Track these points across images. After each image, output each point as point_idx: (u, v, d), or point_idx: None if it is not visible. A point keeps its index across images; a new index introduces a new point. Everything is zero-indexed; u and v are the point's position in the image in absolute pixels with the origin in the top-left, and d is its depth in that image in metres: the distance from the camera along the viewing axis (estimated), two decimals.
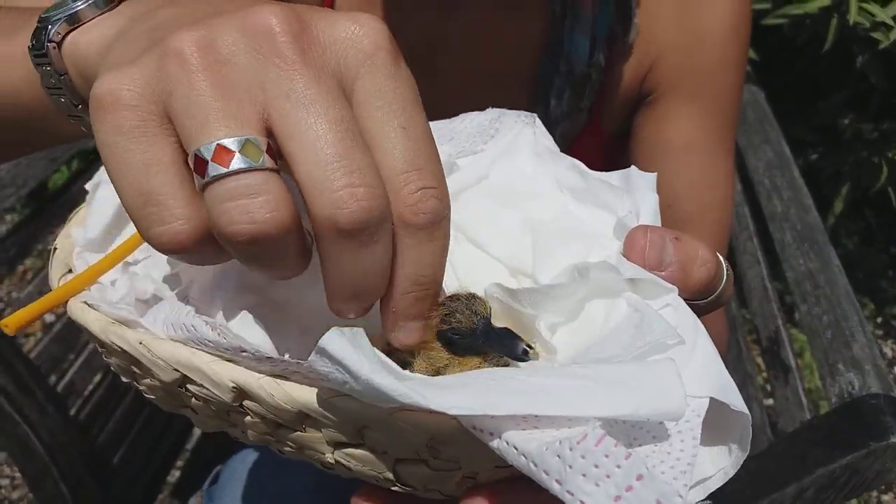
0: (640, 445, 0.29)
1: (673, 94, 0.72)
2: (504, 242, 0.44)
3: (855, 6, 1.25)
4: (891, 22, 1.30)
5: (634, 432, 0.29)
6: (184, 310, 0.31)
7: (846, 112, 1.67)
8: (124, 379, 0.37)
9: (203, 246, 0.29)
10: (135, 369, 0.34)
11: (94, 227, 0.38)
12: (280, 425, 0.32)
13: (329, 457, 0.32)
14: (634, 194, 0.42)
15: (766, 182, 1.06)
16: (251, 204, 0.27)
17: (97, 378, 0.95)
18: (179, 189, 0.28)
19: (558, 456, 0.25)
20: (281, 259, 0.29)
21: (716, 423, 0.31)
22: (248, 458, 0.71)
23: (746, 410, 0.31)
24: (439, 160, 0.32)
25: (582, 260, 0.38)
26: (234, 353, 0.30)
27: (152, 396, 0.36)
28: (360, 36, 0.30)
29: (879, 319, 2.10)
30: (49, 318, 1.51)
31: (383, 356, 0.27)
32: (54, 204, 0.97)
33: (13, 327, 0.33)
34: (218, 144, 0.27)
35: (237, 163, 0.27)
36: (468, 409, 0.26)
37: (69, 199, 0.98)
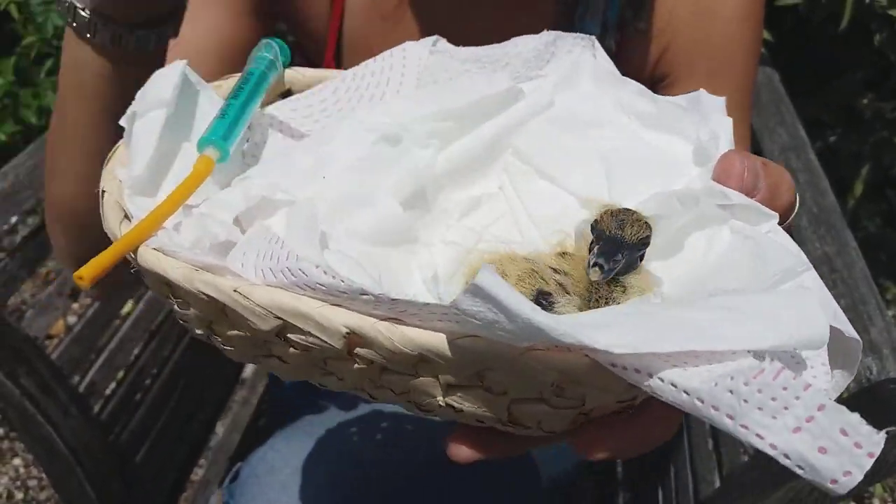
0: None
1: (687, 75, 0.70)
2: (575, 173, 0.43)
3: None
4: None
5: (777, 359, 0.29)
6: (281, 252, 0.29)
7: (864, 92, 1.65)
8: (197, 331, 0.34)
9: None
10: (217, 321, 0.32)
11: (139, 165, 0.35)
12: (387, 371, 0.31)
13: (439, 400, 0.31)
14: (709, 119, 0.41)
15: (782, 164, 1.04)
16: None
17: (118, 377, 0.96)
18: None
19: (730, 391, 0.25)
20: None
21: (830, 348, 0.31)
22: (267, 455, 0.72)
23: (858, 337, 0.31)
24: None
25: (663, 188, 0.38)
26: (351, 297, 0.28)
27: (230, 347, 0.34)
28: None
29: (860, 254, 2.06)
30: (71, 319, 1.53)
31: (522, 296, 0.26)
32: None
33: (88, 279, 0.30)
34: None
35: None
36: (631, 348, 0.25)
37: None
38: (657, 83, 0.72)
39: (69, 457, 0.76)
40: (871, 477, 0.65)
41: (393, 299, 0.27)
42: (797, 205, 0.39)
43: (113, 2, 0.47)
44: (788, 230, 0.37)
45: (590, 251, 0.36)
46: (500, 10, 0.67)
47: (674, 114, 0.42)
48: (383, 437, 0.75)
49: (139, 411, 0.97)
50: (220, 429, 1.34)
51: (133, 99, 0.38)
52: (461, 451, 0.34)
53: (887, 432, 0.25)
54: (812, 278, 0.32)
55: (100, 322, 0.91)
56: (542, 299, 0.35)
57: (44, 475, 1.45)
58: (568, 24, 0.67)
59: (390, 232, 0.40)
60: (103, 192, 0.35)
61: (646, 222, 0.36)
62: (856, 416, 0.24)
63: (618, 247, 0.35)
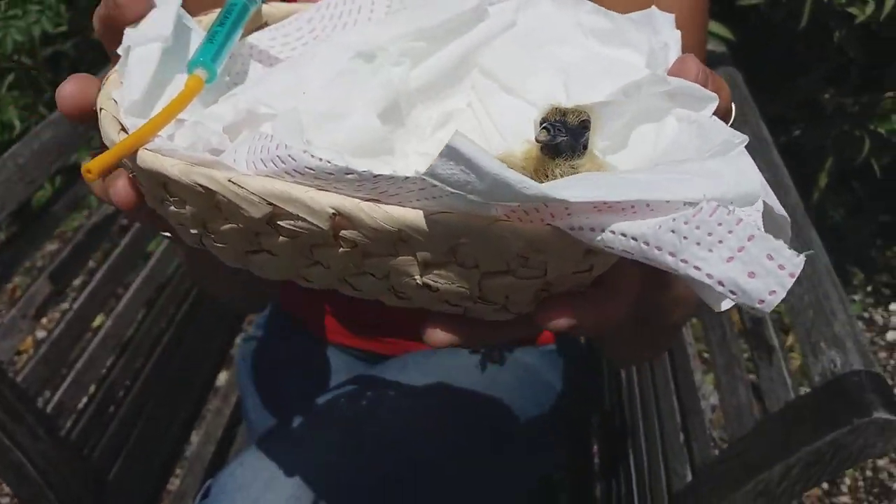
0: None
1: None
2: (537, 87, 0.46)
3: None
4: None
5: None
6: (271, 143, 0.32)
7: (826, 87, 1.68)
8: (192, 231, 0.37)
9: None
10: (211, 218, 0.35)
11: (135, 90, 0.38)
12: (368, 255, 0.33)
13: (417, 279, 0.34)
14: (660, 31, 0.44)
15: None
16: None
17: (88, 394, 0.95)
18: None
19: (672, 231, 0.28)
20: None
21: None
22: (237, 472, 0.71)
23: (787, 214, 0.33)
24: None
25: (615, 86, 0.40)
26: (338, 177, 0.31)
27: (222, 244, 0.37)
28: None
29: (869, 288, 2.12)
30: (40, 333, 1.51)
31: (491, 155, 0.28)
32: (39, 221, 0.97)
33: (96, 172, 0.33)
34: None
35: None
36: (587, 198, 0.28)
37: (54, 215, 0.99)
38: None
39: (39, 480, 0.75)
40: (836, 468, 0.66)
41: (375, 175, 0.30)
42: (733, 114, 0.42)
43: None
44: None
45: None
46: None
47: (627, 28, 0.45)
48: (350, 446, 0.75)
49: (111, 427, 0.96)
50: (194, 438, 1.33)
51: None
52: (437, 335, 0.36)
53: (806, 256, 0.27)
54: (747, 161, 0.34)
55: (68, 338, 0.90)
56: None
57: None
58: None
59: (368, 143, 0.43)
60: (100, 109, 0.37)
61: (585, 112, 0.39)
62: (780, 242, 0.27)
63: (560, 128, 0.38)
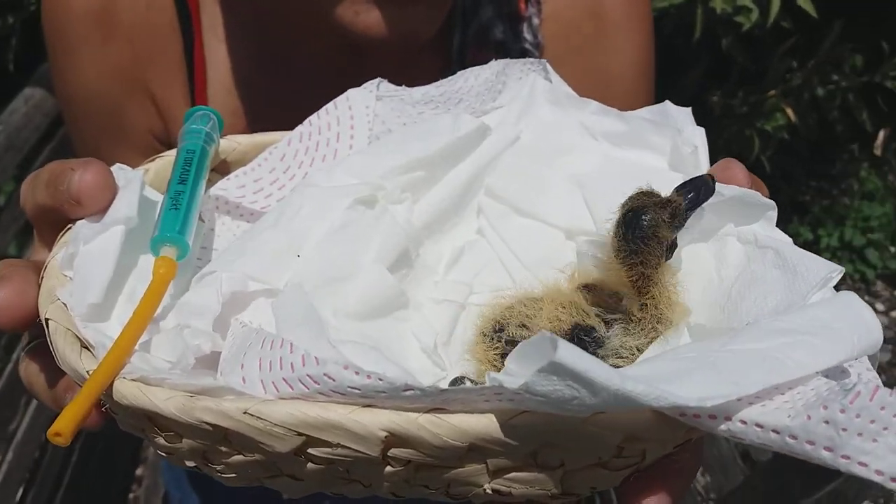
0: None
1: None
2: (555, 205, 0.41)
3: None
4: (751, 5, 1.34)
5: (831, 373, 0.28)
6: (293, 358, 0.25)
7: (713, 89, 1.73)
8: (187, 463, 0.30)
9: None
10: (216, 449, 0.27)
11: (93, 290, 0.30)
12: (425, 467, 0.27)
13: (485, 487, 0.28)
14: (683, 130, 0.39)
15: None
16: None
17: None
18: None
19: (826, 422, 0.23)
20: None
21: None
22: None
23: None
24: None
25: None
26: (391, 396, 0.24)
27: (230, 475, 0.30)
28: None
29: None
30: None
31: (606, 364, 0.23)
32: None
33: (67, 434, 0.25)
34: None
35: None
36: (724, 397, 0.24)
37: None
38: None
39: None
40: None
41: (441, 390, 0.24)
42: None
43: None
44: None
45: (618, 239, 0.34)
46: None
47: (643, 128, 0.40)
48: None
49: None
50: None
51: None
52: None
53: None
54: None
55: None
56: (583, 335, 0.33)
57: None
58: None
59: (381, 302, 0.36)
60: (47, 320, 0.29)
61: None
62: None
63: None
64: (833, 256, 2.15)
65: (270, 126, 0.64)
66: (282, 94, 0.63)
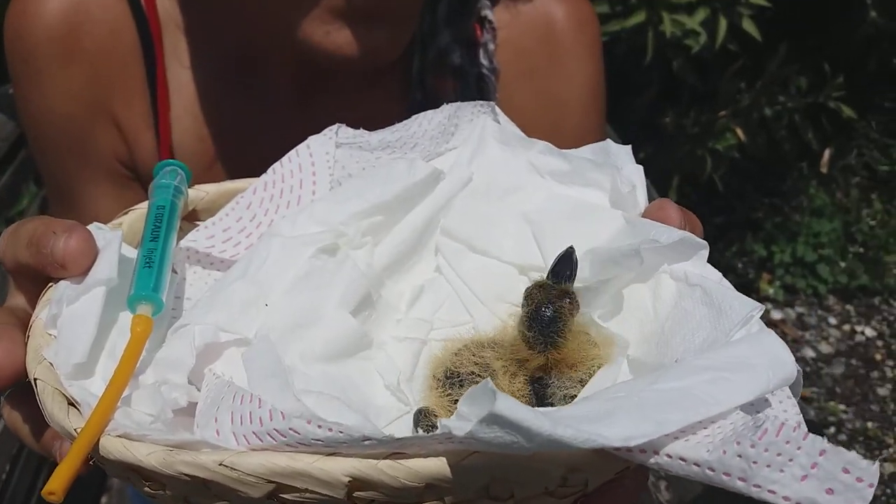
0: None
1: None
2: (507, 242, 0.43)
3: (668, 19, 1.33)
4: (699, 29, 1.39)
5: (753, 407, 0.30)
6: (261, 411, 0.28)
7: (666, 110, 1.78)
8: None
9: None
10: (197, 496, 0.29)
11: (78, 350, 0.32)
12: None
13: None
14: (622, 168, 0.41)
15: None
16: None
17: None
18: None
19: (739, 455, 0.26)
20: None
21: None
22: None
23: (799, 368, 0.33)
24: None
25: (590, 241, 0.38)
26: (351, 445, 0.27)
27: None
28: None
29: None
30: None
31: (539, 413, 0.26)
32: None
33: (60, 493, 0.27)
34: None
35: None
36: (644, 436, 0.26)
37: None
38: None
39: None
40: None
41: (398, 439, 0.27)
42: None
43: None
44: None
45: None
46: (345, 110, 0.64)
47: (585, 167, 0.43)
48: None
49: None
50: None
51: None
52: None
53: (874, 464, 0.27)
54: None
55: None
56: (537, 384, 0.35)
57: None
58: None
59: (346, 344, 0.38)
60: (36, 380, 0.31)
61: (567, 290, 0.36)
62: (853, 454, 0.25)
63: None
64: (786, 272, 2.21)
65: (234, 150, 0.64)
66: (246, 117, 0.64)
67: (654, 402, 0.28)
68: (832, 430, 1.83)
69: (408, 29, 0.56)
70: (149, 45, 0.62)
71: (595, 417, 0.26)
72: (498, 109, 0.47)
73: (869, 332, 2.10)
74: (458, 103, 0.47)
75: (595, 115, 0.73)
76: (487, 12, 0.66)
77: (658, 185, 1.87)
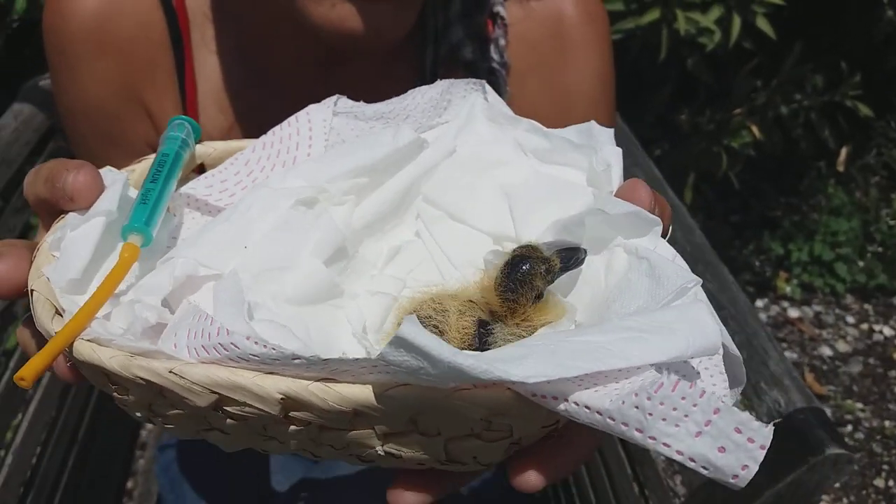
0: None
1: None
2: (484, 213, 0.45)
3: (682, 16, 1.35)
4: (713, 27, 1.41)
5: (676, 370, 0.31)
6: (211, 328, 0.30)
7: (680, 107, 1.80)
8: (137, 414, 0.35)
9: None
10: (156, 402, 0.33)
11: (73, 267, 0.36)
12: (324, 428, 0.32)
13: (378, 450, 0.33)
14: (601, 149, 0.43)
15: None
16: None
17: None
18: None
19: (636, 407, 0.27)
20: None
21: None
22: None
23: (738, 353, 0.34)
24: None
25: (561, 216, 0.40)
26: (284, 363, 0.29)
27: (171, 426, 0.35)
28: None
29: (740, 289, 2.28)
30: None
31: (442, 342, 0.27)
32: None
33: (30, 379, 0.31)
34: None
35: None
36: (545, 376, 0.27)
37: None
38: None
39: None
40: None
41: (324, 360, 0.28)
42: (669, 231, 0.43)
43: None
44: None
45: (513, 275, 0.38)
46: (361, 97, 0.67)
47: (566, 146, 0.45)
48: None
49: None
50: None
51: None
52: (404, 498, 0.35)
53: (774, 424, 0.27)
54: (702, 294, 0.35)
55: None
56: (482, 328, 0.37)
57: None
58: None
59: (316, 290, 0.41)
60: (32, 291, 0.35)
61: (554, 256, 0.38)
62: (746, 415, 0.26)
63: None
64: (804, 271, 2.21)
65: (255, 132, 0.68)
66: (267, 103, 0.68)
67: (567, 351, 0.29)
68: (849, 428, 1.83)
69: (414, 7, 0.58)
70: (177, 36, 0.65)
71: (506, 358, 0.28)
72: (488, 87, 0.49)
73: (887, 331, 2.10)
74: (452, 80, 0.49)
75: (604, 108, 0.75)
76: (500, 8, 0.68)
77: (673, 182, 1.88)
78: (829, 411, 1.87)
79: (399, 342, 0.26)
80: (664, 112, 1.90)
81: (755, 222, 2.30)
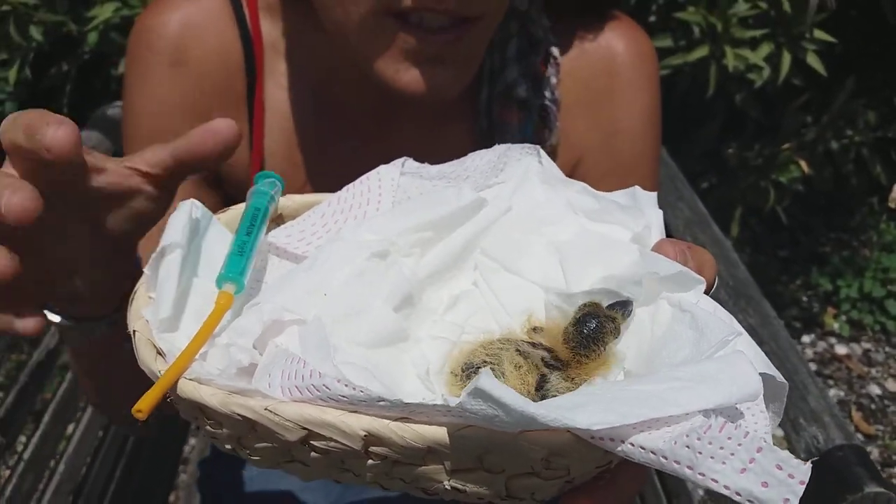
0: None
1: (597, 187, 0.77)
2: (536, 265, 0.49)
3: (731, 53, 1.37)
4: (762, 63, 1.43)
5: (721, 414, 0.33)
6: (304, 370, 0.34)
7: (728, 141, 1.81)
8: (227, 447, 0.39)
9: None
10: (247, 436, 0.37)
11: (165, 307, 0.40)
12: (398, 463, 0.35)
13: (445, 484, 0.36)
14: (644, 210, 0.48)
15: (688, 240, 1.12)
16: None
17: None
18: None
19: (687, 446, 0.30)
20: None
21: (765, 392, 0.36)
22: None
23: (785, 381, 0.37)
24: None
25: (607, 271, 0.44)
26: (369, 405, 0.33)
27: (256, 457, 0.39)
28: None
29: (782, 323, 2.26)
30: None
31: (516, 393, 0.31)
32: None
33: (146, 412, 0.35)
34: None
35: None
36: (607, 424, 0.30)
37: None
38: None
39: None
40: None
41: (405, 403, 0.32)
42: (717, 279, 0.46)
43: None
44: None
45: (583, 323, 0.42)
46: (420, 134, 0.71)
47: (613, 208, 0.49)
48: None
49: None
50: None
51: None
52: None
53: (812, 462, 0.30)
54: (744, 341, 0.38)
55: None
56: (540, 378, 0.41)
57: None
58: (487, 145, 0.72)
59: (385, 334, 0.45)
60: (134, 332, 0.39)
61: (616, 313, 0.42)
62: (786, 453, 0.30)
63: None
64: (853, 307, 2.18)
65: (316, 166, 0.72)
66: (331, 140, 0.72)
67: (624, 399, 0.32)
68: None
69: (471, 70, 0.63)
70: (251, 66, 0.70)
71: (570, 406, 0.32)
72: (542, 151, 0.53)
73: None
74: (509, 145, 0.54)
75: (651, 142, 0.78)
76: (553, 49, 0.73)
77: (720, 216, 1.89)
78: (876, 451, 1.84)
79: (478, 393, 0.30)
80: (712, 146, 1.92)
81: (804, 257, 2.28)
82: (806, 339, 2.16)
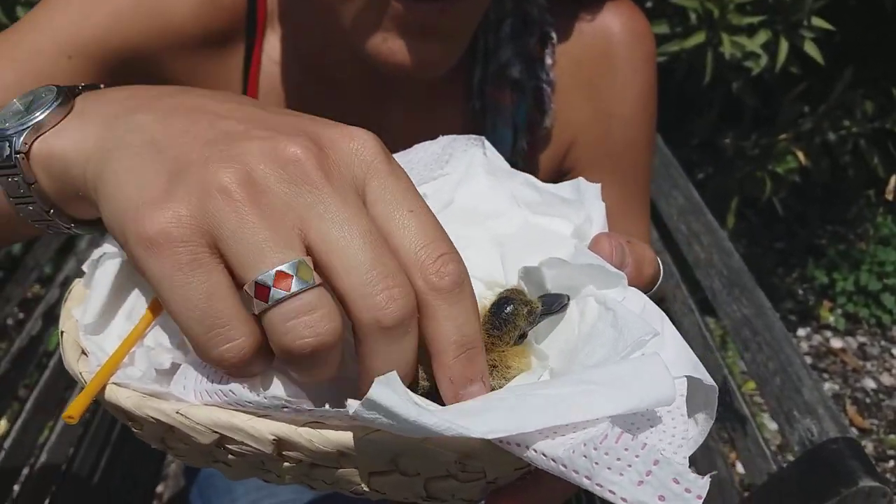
0: (639, 430, 0.33)
1: (590, 170, 0.76)
2: (477, 260, 0.47)
3: (728, 40, 1.35)
4: (759, 51, 1.41)
5: (633, 420, 0.34)
6: (214, 377, 0.34)
7: (725, 130, 1.79)
8: (153, 444, 0.39)
9: (257, 359, 0.33)
10: (167, 436, 0.37)
11: (93, 311, 0.40)
12: (316, 465, 0.35)
13: (364, 486, 0.36)
14: (586, 203, 0.47)
15: (682, 228, 1.11)
16: (312, 319, 0.31)
17: None
18: (239, 311, 0.32)
19: (585, 456, 0.30)
20: (331, 364, 0.33)
21: (688, 396, 0.36)
22: None
23: (714, 383, 0.36)
24: (444, 230, 0.36)
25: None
26: (275, 409, 0.33)
27: (182, 456, 0.39)
28: (359, 149, 0.35)
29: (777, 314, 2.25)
30: None
31: (416, 397, 0.31)
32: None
33: (77, 417, 0.35)
34: (277, 271, 0.31)
35: (296, 285, 0.31)
36: (504, 432, 0.30)
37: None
38: (565, 174, 0.77)
39: None
40: None
41: (308, 409, 0.32)
42: (661, 276, 0.45)
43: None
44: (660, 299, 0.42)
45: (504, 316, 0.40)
46: (412, 114, 0.69)
47: (556, 200, 0.48)
48: None
49: None
50: None
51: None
52: None
53: (710, 476, 0.30)
54: (671, 341, 0.37)
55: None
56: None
57: None
58: (479, 130, 0.70)
59: None
60: (62, 332, 0.40)
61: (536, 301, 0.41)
62: (683, 467, 0.29)
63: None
64: (849, 300, 2.18)
65: None
66: (323, 104, 0.70)
67: (530, 405, 0.32)
68: (891, 463, 1.80)
69: (459, 46, 0.61)
70: (252, 29, 0.67)
71: (469, 412, 0.31)
72: (487, 143, 0.53)
73: None
74: (454, 136, 0.53)
75: (645, 127, 0.77)
76: (549, 29, 0.71)
77: (716, 206, 1.88)
78: (871, 445, 1.84)
79: (371, 405, 0.30)
80: (709, 136, 1.90)
81: (800, 250, 2.27)
82: (801, 332, 2.15)
